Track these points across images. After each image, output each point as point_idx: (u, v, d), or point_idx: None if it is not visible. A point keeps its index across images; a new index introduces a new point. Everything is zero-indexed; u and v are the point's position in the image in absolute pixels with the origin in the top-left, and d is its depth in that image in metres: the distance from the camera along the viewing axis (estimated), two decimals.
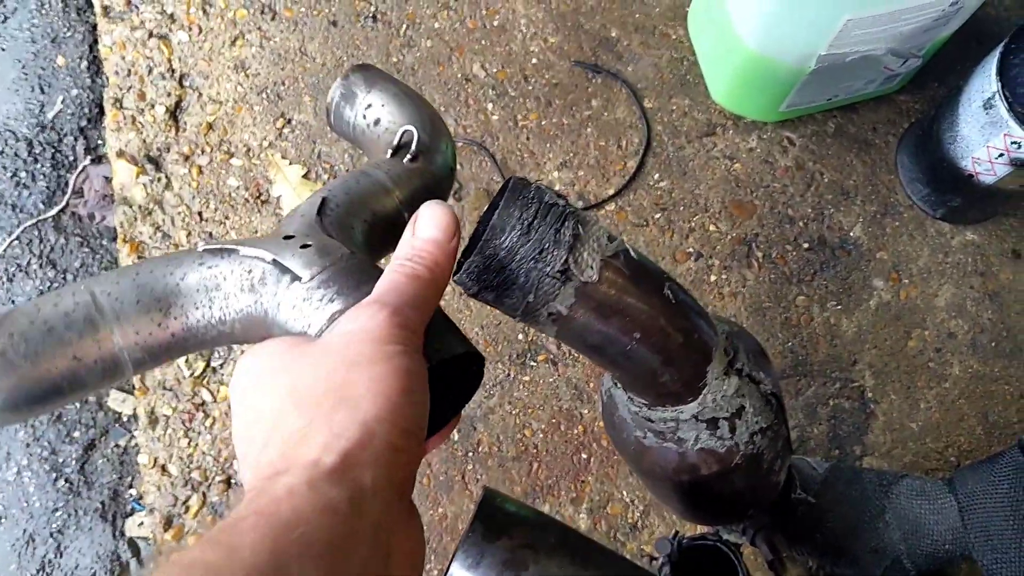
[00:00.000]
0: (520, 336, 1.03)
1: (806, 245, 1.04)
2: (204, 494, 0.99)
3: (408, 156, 0.48)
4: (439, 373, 0.37)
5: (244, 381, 0.32)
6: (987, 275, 1.01)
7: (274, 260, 0.38)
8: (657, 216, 1.06)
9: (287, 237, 0.40)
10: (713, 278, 1.04)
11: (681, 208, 1.07)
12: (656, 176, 1.08)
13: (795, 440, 0.99)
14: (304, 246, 0.39)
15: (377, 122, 0.52)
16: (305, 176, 1.09)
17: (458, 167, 1.08)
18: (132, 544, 1.03)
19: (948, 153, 0.96)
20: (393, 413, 0.29)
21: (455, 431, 0.99)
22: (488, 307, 1.04)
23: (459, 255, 0.39)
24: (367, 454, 0.28)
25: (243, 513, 0.25)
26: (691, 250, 1.05)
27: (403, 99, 0.52)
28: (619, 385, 0.57)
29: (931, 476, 0.93)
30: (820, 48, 0.88)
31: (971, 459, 0.97)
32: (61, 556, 1.03)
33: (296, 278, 0.38)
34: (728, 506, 0.72)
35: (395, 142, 0.49)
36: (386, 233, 0.47)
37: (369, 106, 0.52)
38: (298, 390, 0.30)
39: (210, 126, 1.12)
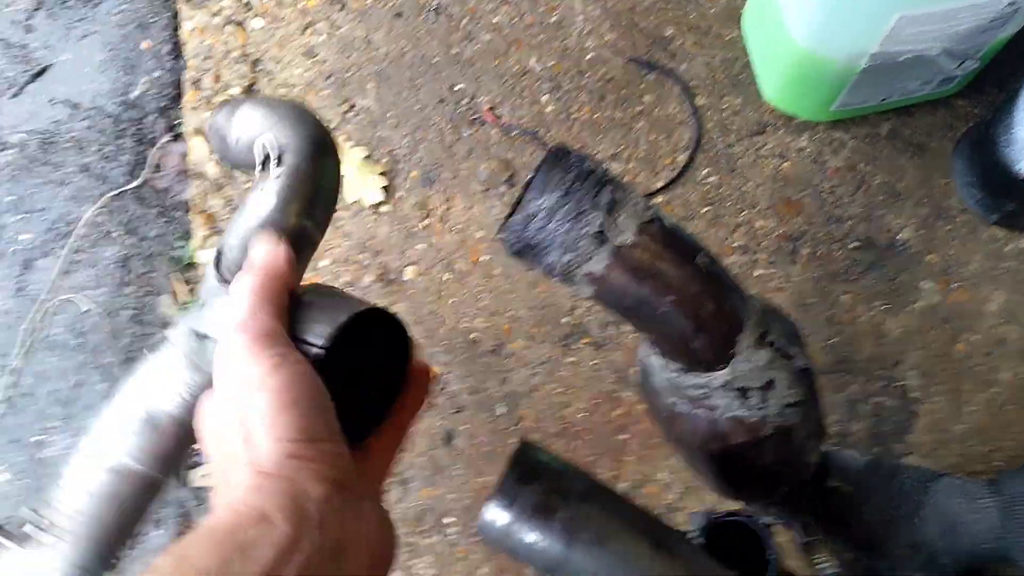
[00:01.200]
0: (564, 320, 1.07)
1: (853, 245, 1.05)
2: None
3: (275, 165, 0.48)
4: (347, 351, 0.40)
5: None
6: None
7: (192, 331, 0.44)
8: (705, 210, 1.09)
9: (202, 305, 0.46)
10: (758, 273, 1.06)
11: (728, 203, 1.09)
12: (705, 171, 1.11)
13: (835, 435, 1.00)
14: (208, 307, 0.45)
15: (250, 146, 0.52)
16: (367, 158, 1.14)
17: (511, 155, 1.13)
18: None
19: (1004, 157, 0.97)
20: (279, 430, 0.34)
21: (496, 406, 1.04)
22: (534, 290, 1.09)
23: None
24: (280, 470, 0.33)
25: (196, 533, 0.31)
26: (737, 244, 1.07)
27: (265, 109, 0.52)
28: (654, 352, 0.58)
29: (974, 478, 0.94)
30: (872, 46, 0.90)
31: (1017, 464, 0.97)
32: None
33: (213, 340, 0.44)
34: (759, 481, 0.74)
35: (258, 156, 0.49)
36: (300, 247, 0.48)
37: (238, 139, 0.53)
38: (215, 431, 0.38)
39: None
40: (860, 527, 0.90)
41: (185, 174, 1.19)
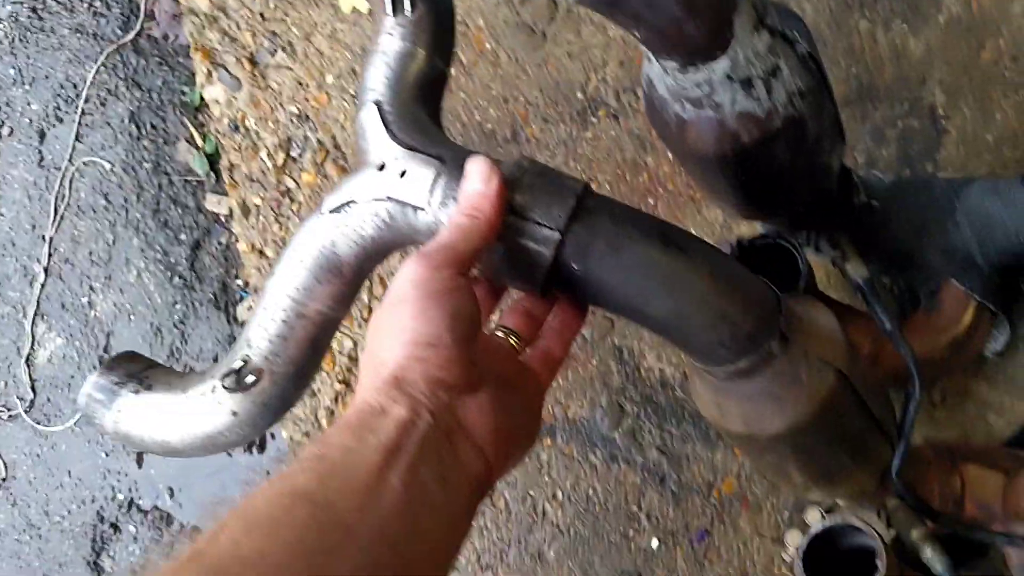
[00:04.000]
0: (579, 95, 1.08)
1: None
2: None
3: (408, 6, 0.50)
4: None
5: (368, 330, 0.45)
6: None
7: (388, 198, 0.46)
8: None
9: (380, 168, 0.47)
10: None
11: None
12: None
13: (863, 163, 1.02)
14: (402, 173, 0.46)
15: None
16: None
17: None
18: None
19: None
20: (408, 334, 0.40)
21: None
22: (544, 68, 1.09)
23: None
24: (398, 371, 0.39)
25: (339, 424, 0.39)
26: None
27: None
28: (652, 59, 0.57)
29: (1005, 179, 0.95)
30: None
31: None
32: (186, 343, 1.19)
33: (417, 208, 0.46)
34: (778, 186, 0.74)
35: (387, 3, 0.50)
36: (438, 92, 0.52)
37: None
38: (370, 339, 0.43)
39: None
40: (892, 240, 0.93)
41: (179, 18, 1.20)
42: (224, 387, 0.48)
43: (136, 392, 0.50)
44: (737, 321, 0.49)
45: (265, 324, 0.48)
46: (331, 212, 0.47)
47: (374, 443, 0.36)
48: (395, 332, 0.40)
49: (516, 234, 0.45)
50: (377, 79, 0.50)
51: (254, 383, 0.48)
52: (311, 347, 0.49)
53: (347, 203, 0.47)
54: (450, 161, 0.46)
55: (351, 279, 0.49)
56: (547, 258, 0.44)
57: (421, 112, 0.50)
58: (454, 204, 0.45)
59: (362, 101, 0.49)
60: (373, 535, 0.33)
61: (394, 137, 0.48)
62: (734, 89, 0.56)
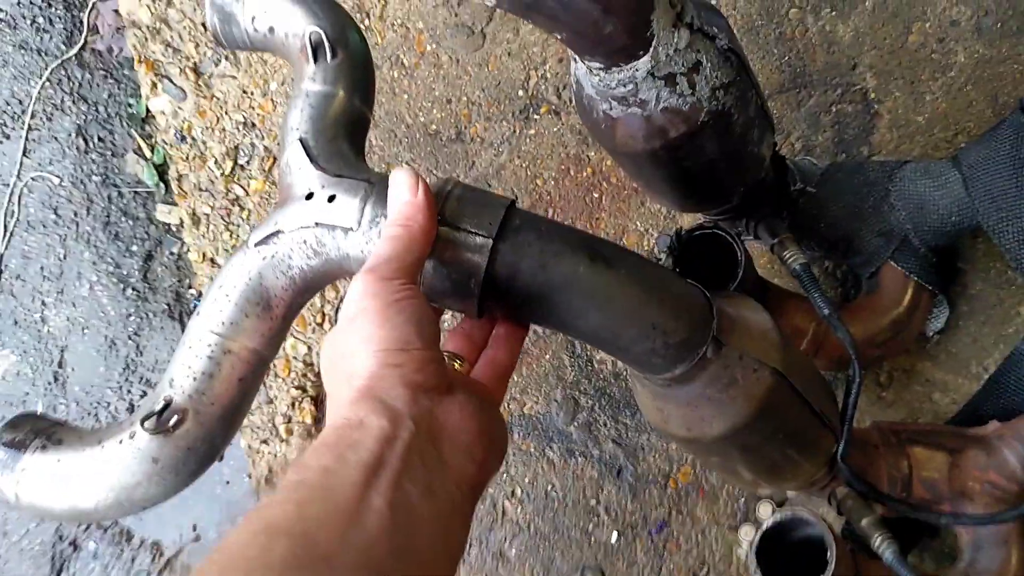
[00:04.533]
0: (520, 92, 1.09)
1: None
2: None
3: (328, 55, 0.51)
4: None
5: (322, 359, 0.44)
6: None
7: (316, 224, 0.46)
8: None
9: (308, 196, 0.47)
10: None
11: None
12: None
13: (799, 150, 1.04)
14: (331, 198, 0.46)
15: (272, 30, 0.53)
16: None
17: None
18: None
19: None
20: (376, 343, 0.39)
21: None
22: (484, 69, 1.09)
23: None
24: (372, 381, 0.38)
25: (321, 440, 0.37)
26: None
27: None
28: (577, 60, 0.58)
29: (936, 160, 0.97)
30: None
31: None
32: (141, 354, 1.19)
33: (345, 229, 0.45)
34: (711, 179, 0.74)
35: (308, 48, 0.51)
36: (361, 130, 0.53)
37: (253, 17, 0.53)
38: (331, 358, 0.42)
39: None
40: (830, 225, 0.94)
41: (121, 31, 1.21)
42: (144, 429, 0.44)
43: (43, 448, 0.46)
44: (669, 330, 0.50)
45: (189, 361, 0.46)
46: (257, 245, 0.47)
47: (354, 460, 0.35)
48: (361, 343, 0.39)
49: (450, 244, 0.45)
50: (300, 119, 0.50)
51: (177, 424, 0.45)
52: (239, 387, 0.47)
53: (273, 234, 0.47)
54: (378, 183, 0.46)
55: (279, 314, 0.48)
56: (481, 266, 0.45)
57: (345, 146, 0.51)
58: (385, 222, 0.45)
59: (286, 142, 0.50)
60: (358, 562, 0.32)
61: (320, 168, 0.48)
62: (658, 86, 0.57)
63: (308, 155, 0.48)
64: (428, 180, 0.46)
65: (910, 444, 0.86)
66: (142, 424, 0.44)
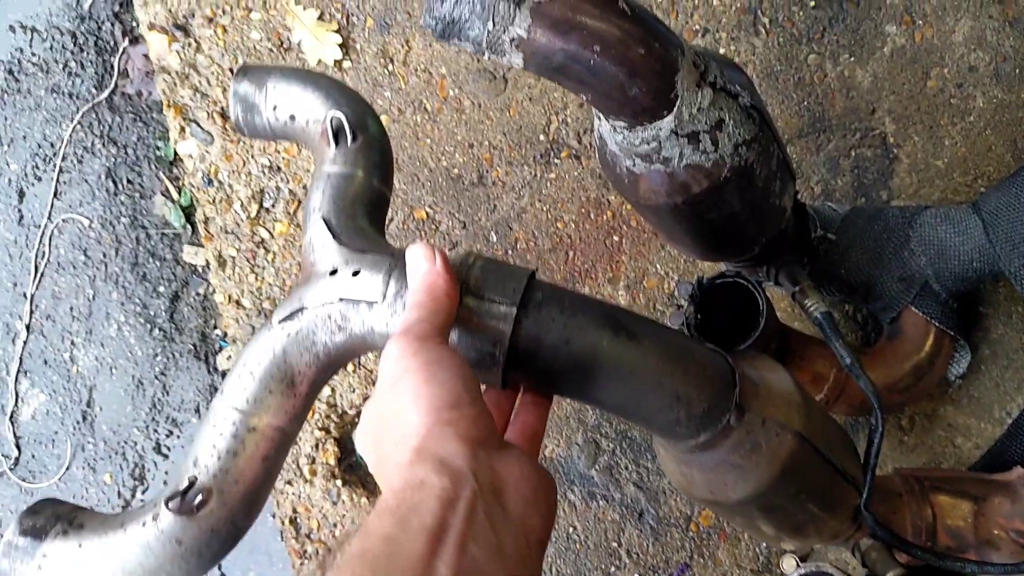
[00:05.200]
0: (541, 137, 1.11)
1: (812, 3, 1.06)
2: None
3: (349, 139, 0.53)
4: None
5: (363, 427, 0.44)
6: (1006, 2, 1.01)
7: (341, 299, 0.46)
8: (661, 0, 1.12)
9: (332, 272, 0.48)
10: (722, 51, 1.08)
11: None
12: None
13: (819, 194, 1.05)
14: (355, 273, 0.47)
15: (293, 118, 0.55)
16: (320, 18, 1.16)
17: None
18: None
19: None
20: (426, 401, 0.38)
21: (489, 234, 1.10)
22: (506, 114, 1.13)
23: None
24: (427, 440, 0.37)
25: (382, 506, 0.36)
26: (697, 27, 1.09)
27: (302, 85, 0.55)
28: (601, 118, 0.59)
29: (956, 205, 0.98)
30: None
31: None
32: (168, 394, 1.21)
33: (370, 303, 0.46)
34: (733, 231, 0.75)
35: (329, 132, 0.53)
36: (381, 209, 0.54)
37: (275, 107, 0.55)
38: (377, 423, 0.42)
39: None
40: (850, 271, 0.95)
41: (150, 75, 1.24)
42: (169, 509, 0.44)
43: (63, 534, 0.45)
44: (692, 400, 0.50)
45: (213, 440, 0.46)
46: (280, 322, 0.47)
47: (417, 525, 0.33)
48: (410, 403, 0.38)
49: (474, 314, 0.45)
50: (321, 200, 0.51)
51: (201, 504, 0.44)
52: (263, 465, 0.47)
53: (298, 311, 0.47)
54: (401, 257, 0.47)
55: (303, 391, 0.48)
56: (506, 334, 0.45)
57: (366, 224, 0.52)
58: (407, 292, 0.45)
59: (309, 222, 0.51)
60: None
61: (343, 244, 0.49)
62: (681, 144, 0.58)
63: (331, 232, 0.49)
64: (449, 240, 0.47)
65: (934, 492, 0.86)
66: (166, 504, 0.44)
